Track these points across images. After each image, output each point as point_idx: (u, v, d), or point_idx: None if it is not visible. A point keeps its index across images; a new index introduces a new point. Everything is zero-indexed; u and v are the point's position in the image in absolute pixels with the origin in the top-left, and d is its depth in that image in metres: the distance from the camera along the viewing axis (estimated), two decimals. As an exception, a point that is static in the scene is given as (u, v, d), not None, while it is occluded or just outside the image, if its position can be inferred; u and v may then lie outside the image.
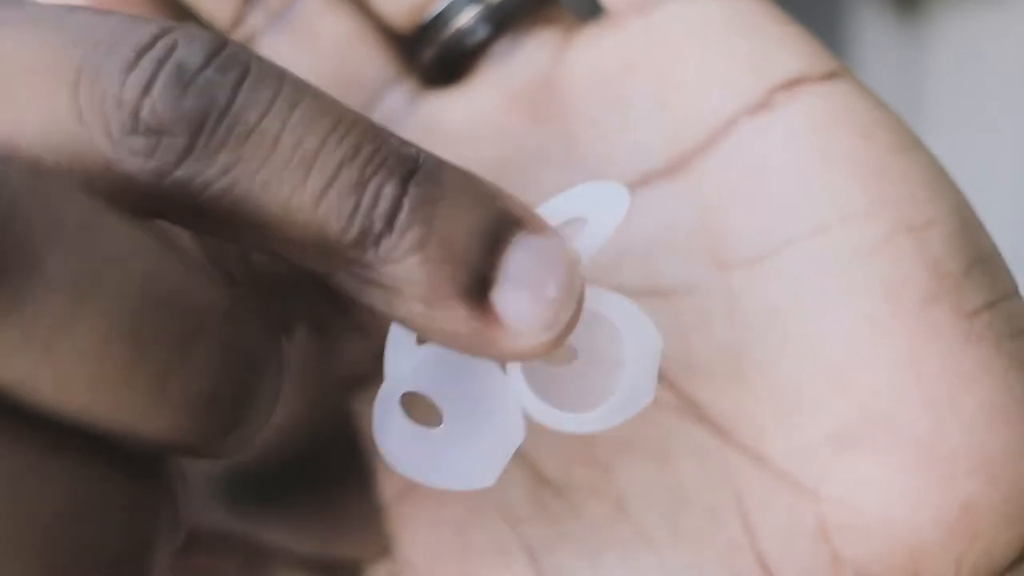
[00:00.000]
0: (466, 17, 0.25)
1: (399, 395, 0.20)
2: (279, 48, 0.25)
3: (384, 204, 0.18)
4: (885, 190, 0.22)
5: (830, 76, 0.23)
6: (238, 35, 0.25)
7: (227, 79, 0.18)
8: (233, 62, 0.18)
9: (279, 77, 0.19)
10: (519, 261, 0.19)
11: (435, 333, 0.19)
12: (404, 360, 0.20)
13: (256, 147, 0.18)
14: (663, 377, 0.23)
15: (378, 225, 0.18)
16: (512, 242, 0.19)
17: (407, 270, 0.18)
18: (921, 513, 0.21)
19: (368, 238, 0.18)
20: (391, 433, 0.20)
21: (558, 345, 0.19)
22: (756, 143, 0.23)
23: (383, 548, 0.24)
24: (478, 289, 0.19)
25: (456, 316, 0.19)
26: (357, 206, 0.18)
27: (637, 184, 0.24)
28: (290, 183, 0.18)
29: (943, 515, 0.21)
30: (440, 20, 0.25)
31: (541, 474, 0.24)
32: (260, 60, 0.19)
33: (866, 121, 0.22)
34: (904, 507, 0.21)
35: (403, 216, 0.18)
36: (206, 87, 0.18)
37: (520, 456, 0.24)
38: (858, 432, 0.22)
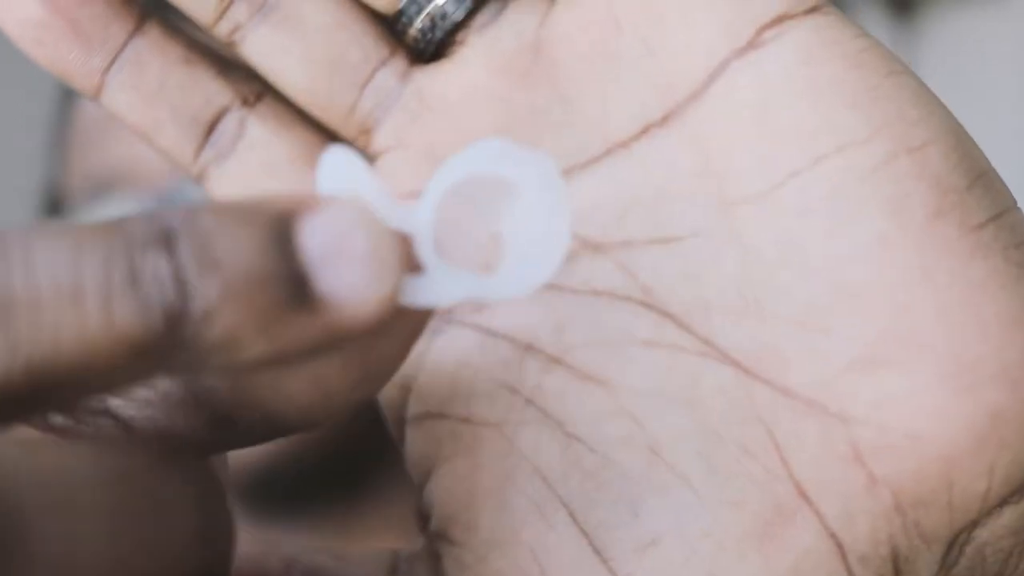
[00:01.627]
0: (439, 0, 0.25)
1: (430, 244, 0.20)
2: (266, 38, 0.26)
3: (165, 278, 0.18)
4: (880, 114, 0.23)
5: (814, 10, 0.23)
6: (222, 28, 0.26)
7: None
8: None
9: (2, 241, 0.18)
10: (314, 243, 0.18)
11: (297, 355, 0.19)
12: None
13: (26, 312, 0.17)
14: (682, 321, 0.24)
15: (175, 301, 0.18)
16: (298, 232, 0.18)
17: (230, 322, 0.18)
18: (951, 425, 0.22)
19: (173, 318, 0.18)
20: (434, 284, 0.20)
21: (399, 290, 0.19)
22: (749, 82, 0.23)
23: (411, 532, 0.25)
24: (300, 292, 0.18)
25: (301, 328, 0.18)
26: (147, 297, 0.18)
27: (636, 137, 0.24)
28: (73, 322, 0.17)
29: (973, 425, 0.22)
30: (414, 3, 0.25)
31: (571, 432, 0.24)
32: None
33: (853, 49, 0.23)
34: (933, 421, 0.22)
35: (190, 277, 0.18)
36: None
37: (547, 416, 0.24)
38: (880, 352, 0.22)
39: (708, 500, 0.23)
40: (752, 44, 0.23)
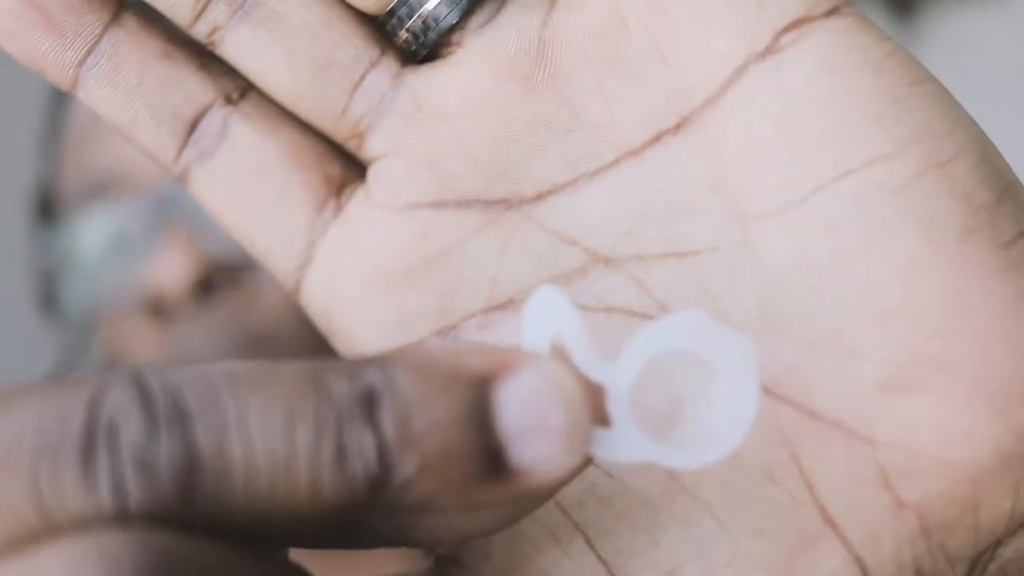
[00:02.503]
0: (432, 2, 0.24)
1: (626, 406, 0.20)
2: (249, 38, 0.25)
3: (370, 451, 0.18)
4: (906, 127, 0.22)
5: (833, 12, 0.23)
6: (200, 29, 0.25)
7: (180, 438, 0.18)
8: (172, 414, 0.18)
9: (215, 395, 0.19)
10: (513, 416, 0.19)
11: (489, 526, 0.20)
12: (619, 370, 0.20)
13: (239, 477, 0.18)
14: None
15: (377, 471, 0.18)
16: (498, 403, 0.19)
17: (427, 491, 0.19)
18: (979, 448, 0.21)
19: (378, 488, 0.19)
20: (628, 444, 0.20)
21: (589, 455, 0.19)
22: (768, 89, 0.22)
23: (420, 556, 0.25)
24: (495, 462, 0.19)
25: (494, 499, 0.19)
26: (351, 471, 0.18)
27: (647, 145, 0.24)
28: (283, 490, 0.18)
29: (1000, 446, 0.21)
30: (405, 6, 0.25)
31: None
32: (191, 383, 0.19)
33: (876, 56, 0.22)
34: (962, 444, 0.21)
35: (392, 450, 0.19)
36: (171, 458, 0.18)
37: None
38: (908, 374, 0.22)
39: (730, 528, 0.22)
40: (770, 49, 0.23)
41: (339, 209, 0.25)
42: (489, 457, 0.19)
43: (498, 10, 0.24)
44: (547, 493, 0.19)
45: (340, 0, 0.25)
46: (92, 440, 0.18)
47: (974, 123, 0.23)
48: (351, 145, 0.26)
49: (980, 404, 0.21)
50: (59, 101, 0.71)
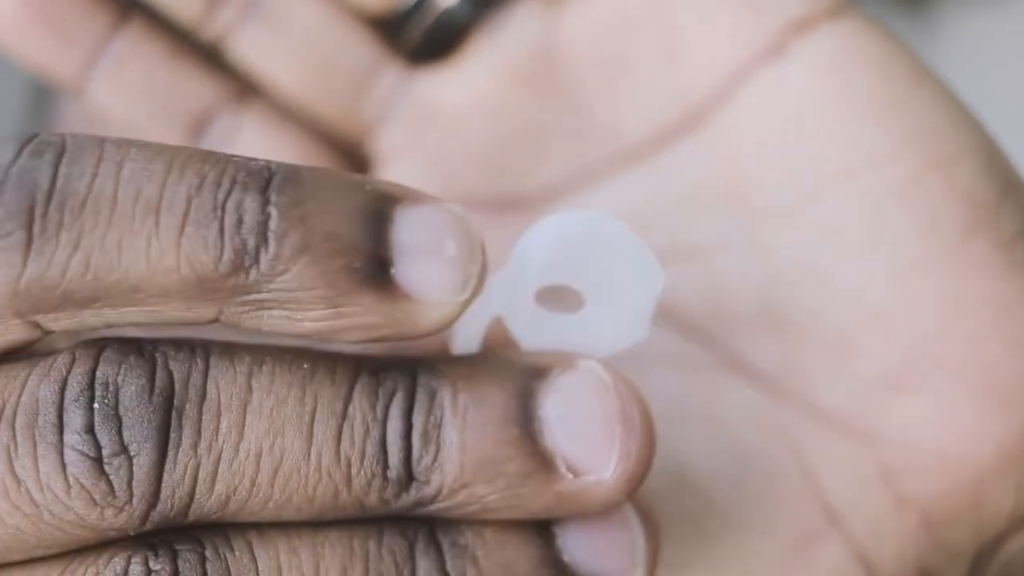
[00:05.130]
0: (442, 3, 0.25)
1: (533, 292, 0.20)
2: (256, 40, 0.26)
3: (249, 218, 0.18)
4: (909, 127, 0.23)
5: (838, 12, 0.23)
6: (208, 32, 0.26)
7: (43, 161, 0.18)
8: (45, 145, 0.18)
9: (99, 142, 0.18)
10: (408, 231, 0.18)
11: (349, 331, 0.19)
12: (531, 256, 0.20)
13: (95, 213, 0.18)
14: (704, 337, 0.24)
15: (251, 241, 0.18)
16: (396, 216, 0.18)
17: (298, 276, 0.18)
18: (980, 446, 0.22)
19: (244, 258, 0.18)
20: (531, 330, 0.20)
21: (471, 300, 0.19)
22: (773, 90, 0.23)
23: None
24: (378, 273, 0.18)
25: (365, 306, 0.18)
26: (221, 230, 0.18)
27: (653, 146, 0.24)
28: (143, 234, 0.18)
29: (1001, 445, 0.22)
30: (423, 2, 0.25)
31: None
32: (75, 135, 0.18)
33: (881, 57, 0.23)
34: (963, 442, 0.22)
35: (274, 223, 0.18)
36: (23, 174, 0.18)
37: None
38: (910, 373, 0.22)
39: (736, 524, 0.23)
40: (775, 51, 0.23)
41: None
42: (374, 263, 0.18)
43: (506, 12, 0.25)
44: (418, 328, 0.19)
45: (348, 2, 0.26)
46: None
47: (978, 123, 0.23)
48: (362, 147, 0.27)
49: (981, 403, 0.22)
50: (39, 102, 0.71)
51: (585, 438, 0.19)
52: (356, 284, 0.18)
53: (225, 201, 0.18)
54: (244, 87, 0.26)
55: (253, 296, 0.18)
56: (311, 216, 0.18)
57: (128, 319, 0.18)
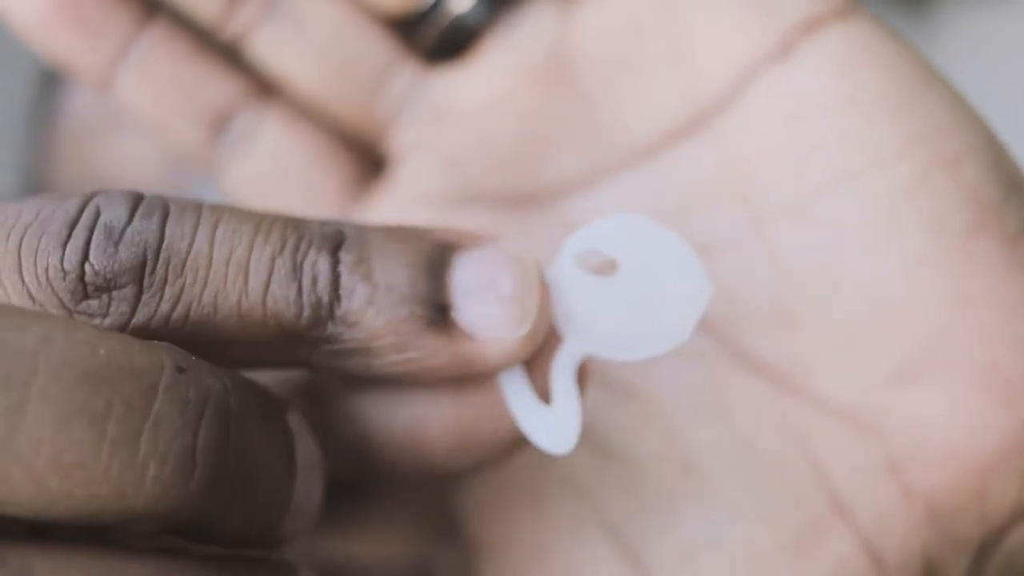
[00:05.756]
0: (466, 2, 0.26)
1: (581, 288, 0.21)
2: (273, 40, 0.26)
3: (323, 278, 0.20)
4: (915, 127, 0.23)
5: (845, 13, 0.24)
6: (228, 31, 0.26)
7: (152, 223, 0.20)
8: (153, 207, 0.20)
9: (196, 207, 0.20)
10: (465, 275, 0.20)
11: (421, 375, 0.21)
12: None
13: (194, 271, 0.20)
14: (713, 332, 0.24)
15: (325, 298, 0.20)
16: (453, 263, 0.21)
17: (368, 327, 0.20)
18: (985, 438, 0.23)
19: (321, 312, 0.20)
20: (577, 325, 0.21)
21: (540, 337, 0.21)
22: (781, 91, 0.24)
23: (446, 535, 0.25)
24: (440, 318, 0.20)
25: (431, 349, 0.20)
26: (300, 289, 0.20)
27: (662, 144, 0.25)
28: (234, 292, 0.20)
29: (1006, 438, 0.23)
30: (439, 4, 0.26)
31: (604, 446, 0.25)
32: (177, 199, 0.20)
33: (888, 57, 0.23)
34: (968, 435, 0.23)
35: (344, 281, 0.20)
36: (136, 236, 0.20)
37: (581, 431, 0.25)
38: (916, 367, 0.23)
39: (744, 513, 0.24)
40: (783, 51, 0.24)
41: (364, 204, 0.27)
42: (435, 307, 0.20)
43: (519, 13, 0.26)
44: (487, 365, 0.21)
45: (365, 2, 0.26)
46: (78, 215, 0.20)
47: (983, 122, 0.24)
48: (378, 146, 0.27)
49: (986, 396, 0.23)
50: (45, 98, 0.71)
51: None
52: (419, 329, 0.20)
53: (303, 262, 0.20)
54: (263, 86, 0.27)
55: (333, 346, 0.20)
56: (375, 271, 0.20)
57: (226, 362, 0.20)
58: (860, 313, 0.23)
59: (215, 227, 0.20)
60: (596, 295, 0.21)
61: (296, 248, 0.20)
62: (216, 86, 0.27)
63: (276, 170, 0.27)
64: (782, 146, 0.24)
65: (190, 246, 0.20)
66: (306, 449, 0.20)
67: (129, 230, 0.20)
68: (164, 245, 0.20)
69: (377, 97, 0.27)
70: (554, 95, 0.25)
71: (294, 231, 0.20)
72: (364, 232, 0.21)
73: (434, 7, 0.26)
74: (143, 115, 0.27)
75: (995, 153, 0.23)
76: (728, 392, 0.24)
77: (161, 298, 0.20)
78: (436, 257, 0.20)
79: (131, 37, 0.26)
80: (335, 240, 0.20)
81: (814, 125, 0.23)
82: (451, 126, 0.26)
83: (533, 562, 0.24)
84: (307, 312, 0.20)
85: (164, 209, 0.20)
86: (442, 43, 0.26)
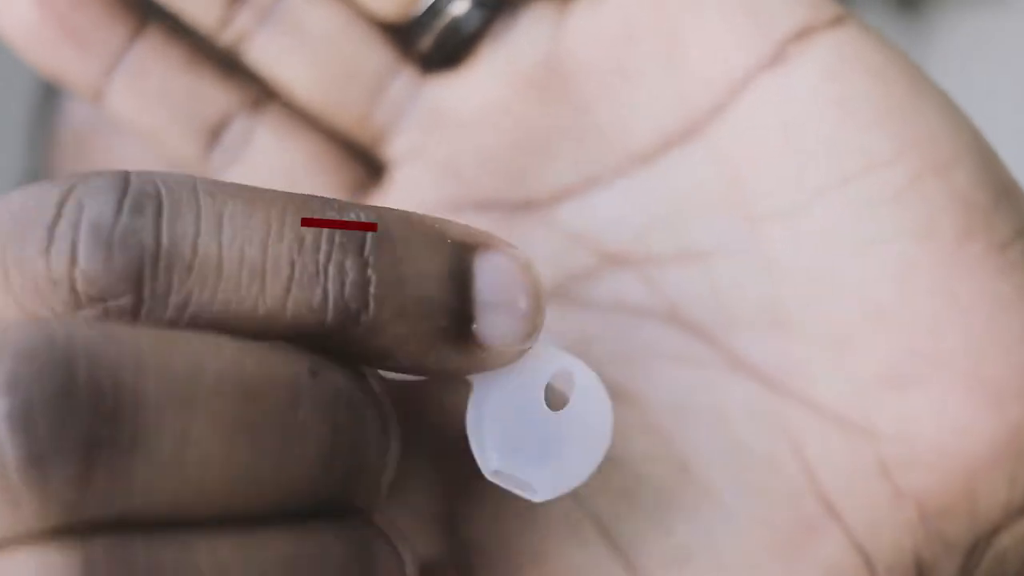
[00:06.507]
0: (461, 6, 0.26)
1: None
2: (270, 46, 0.26)
3: (351, 283, 0.19)
4: (906, 133, 0.23)
5: (837, 21, 0.24)
6: (226, 37, 0.26)
7: (146, 219, 0.18)
8: (143, 198, 0.18)
9: (192, 194, 0.19)
10: (486, 285, 0.20)
11: (432, 374, 0.21)
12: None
13: (201, 279, 0.18)
14: (706, 336, 0.25)
15: (353, 305, 0.19)
16: (476, 271, 0.20)
17: (393, 336, 0.20)
18: (975, 440, 0.23)
19: (347, 318, 0.19)
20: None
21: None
22: (774, 98, 0.24)
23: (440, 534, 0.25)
24: (462, 329, 0.20)
25: (448, 357, 0.20)
26: (325, 294, 0.19)
27: (657, 151, 0.25)
28: (250, 299, 0.19)
29: (996, 439, 0.23)
30: (434, 10, 0.26)
31: None
32: (166, 181, 0.19)
33: (879, 64, 0.24)
34: (958, 436, 0.23)
35: (374, 288, 0.19)
36: (129, 236, 0.18)
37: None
38: (906, 369, 0.23)
39: (738, 516, 0.24)
40: (776, 59, 0.24)
41: None
42: (460, 320, 0.20)
43: (514, 19, 0.26)
44: (487, 368, 0.21)
45: (362, 8, 0.26)
46: (58, 212, 0.18)
47: (974, 128, 0.24)
48: (374, 152, 0.27)
49: (975, 399, 0.23)
50: (45, 105, 0.71)
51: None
52: (442, 341, 0.20)
53: (327, 264, 0.19)
54: (259, 93, 0.27)
55: (349, 348, 0.20)
56: (407, 280, 0.20)
57: None
58: (851, 317, 0.23)
59: (220, 223, 0.19)
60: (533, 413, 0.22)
61: (317, 247, 0.19)
62: (211, 95, 0.26)
63: (272, 177, 0.27)
64: (775, 152, 0.24)
65: (194, 248, 0.18)
66: (393, 417, 0.21)
67: (120, 228, 0.18)
68: (163, 248, 0.18)
69: (374, 104, 0.27)
70: (549, 102, 0.26)
71: (310, 225, 0.19)
72: (388, 225, 0.20)
73: (429, 13, 0.26)
74: (137, 125, 0.26)
75: (985, 159, 0.24)
76: (721, 395, 0.24)
77: (166, 308, 0.19)
78: (459, 263, 0.20)
79: (124, 47, 0.26)
80: (359, 236, 0.19)
81: (806, 131, 0.24)
82: (447, 133, 0.26)
83: (527, 564, 0.24)
84: (331, 318, 0.19)
85: (156, 200, 0.19)
86: (438, 50, 0.26)
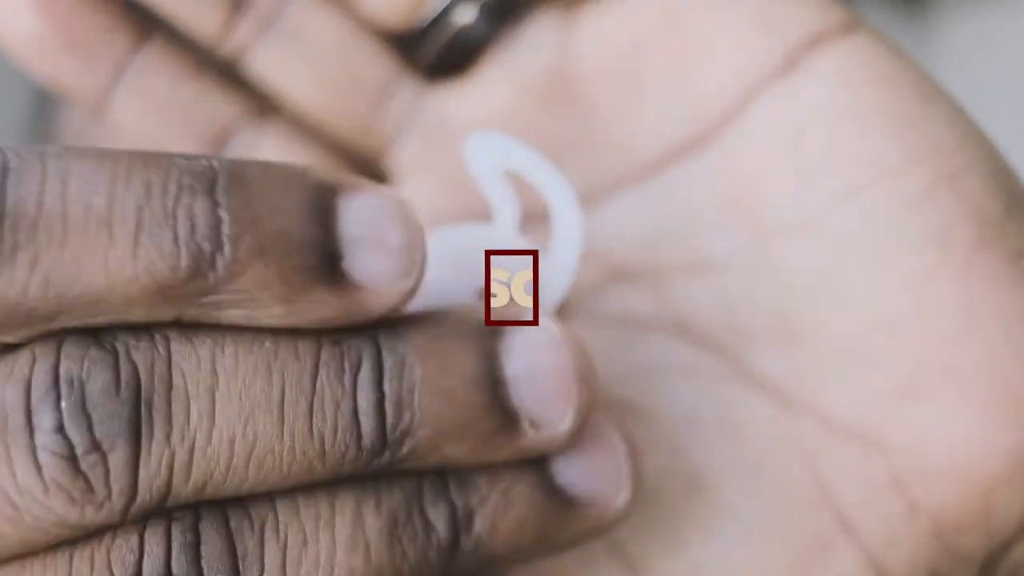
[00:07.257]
0: (467, 15, 0.26)
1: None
2: (272, 57, 0.26)
3: (202, 223, 0.18)
4: (918, 142, 0.23)
5: (848, 28, 0.24)
6: (226, 48, 0.26)
7: None
8: None
9: (40, 156, 0.18)
10: (355, 224, 0.19)
11: (305, 323, 0.19)
12: None
13: (48, 231, 0.18)
14: (718, 349, 0.24)
15: (206, 246, 0.18)
16: (340, 209, 0.19)
17: (255, 277, 0.19)
18: (991, 454, 0.23)
19: (202, 263, 0.18)
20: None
21: (418, 286, 0.20)
22: (784, 107, 0.24)
23: None
24: (329, 268, 0.19)
25: (320, 301, 0.19)
26: (176, 237, 0.18)
27: (665, 162, 0.25)
28: (99, 248, 0.18)
29: (1012, 453, 0.23)
30: (440, 19, 0.26)
31: None
32: (15, 150, 0.19)
33: (890, 73, 0.24)
34: (974, 450, 0.23)
35: (226, 227, 0.18)
36: None
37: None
38: (921, 383, 0.23)
39: (750, 531, 0.24)
40: (786, 68, 0.24)
41: None
42: (324, 258, 0.19)
43: (520, 29, 0.26)
44: (371, 313, 0.20)
45: (360, 18, 0.26)
46: None
47: (984, 136, 0.24)
48: (379, 163, 0.27)
49: (992, 412, 0.23)
50: (42, 112, 0.71)
51: (546, 396, 0.20)
52: (310, 281, 0.19)
53: (175, 207, 0.18)
54: (262, 103, 0.27)
55: (212, 298, 0.19)
56: (263, 217, 0.19)
57: (89, 325, 0.19)
58: (864, 328, 0.23)
59: (65, 180, 0.18)
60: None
61: (164, 191, 0.18)
62: (213, 105, 0.26)
63: None
64: (785, 162, 0.24)
65: (39, 204, 0.18)
66: None
67: None
68: (8, 208, 0.18)
69: (377, 114, 0.27)
70: (556, 111, 0.26)
71: (157, 171, 0.18)
72: (241, 168, 0.19)
73: (435, 23, 0.26)
74: (139, 136, 0.26)
75: (997, 168, 0.24)
76: (733, 409, 0.24)
77: (15, 267, 0.18)
78: (321, 200, 0.19)
79: (127, 58, 0.26)
80: (207, 178, 0.19)
81: (817, 141, 0.23)
82: (451, 143, 0.26)
83: None
84: (184, 262, 0.18)
85: (3, 166, 0.18)
86: (443, 59, 0.26)
